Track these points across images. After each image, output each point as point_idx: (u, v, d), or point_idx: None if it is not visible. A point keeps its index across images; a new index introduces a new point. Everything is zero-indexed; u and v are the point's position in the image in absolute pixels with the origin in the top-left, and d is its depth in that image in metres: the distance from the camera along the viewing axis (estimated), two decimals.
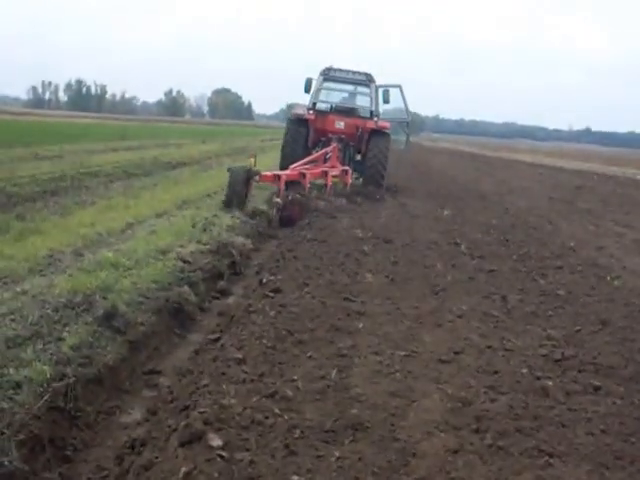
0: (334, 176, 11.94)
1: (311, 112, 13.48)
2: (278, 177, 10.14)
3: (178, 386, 3.86)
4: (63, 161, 16.30)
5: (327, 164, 12.59)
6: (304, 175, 10.67)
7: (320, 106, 13.76)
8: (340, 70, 13.99)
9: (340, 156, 13.36)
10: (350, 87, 14.68)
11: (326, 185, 11.49)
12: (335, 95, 14.62)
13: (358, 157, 14.13)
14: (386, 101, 13.98)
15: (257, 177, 9.87)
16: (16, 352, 3.66)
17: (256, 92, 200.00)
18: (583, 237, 9.75)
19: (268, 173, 10.40)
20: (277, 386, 3.42)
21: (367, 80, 13.88)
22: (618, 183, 24.23)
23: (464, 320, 4.90)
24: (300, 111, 13.75)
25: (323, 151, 12.94)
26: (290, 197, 9.84)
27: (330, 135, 13.47)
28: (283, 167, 11.98)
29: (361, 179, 13.74)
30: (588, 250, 8.58)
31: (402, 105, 14.92)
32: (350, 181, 12.76)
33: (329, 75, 13.90)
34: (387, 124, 13.92)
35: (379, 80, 13.94)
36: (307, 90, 13.72)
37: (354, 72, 14.05)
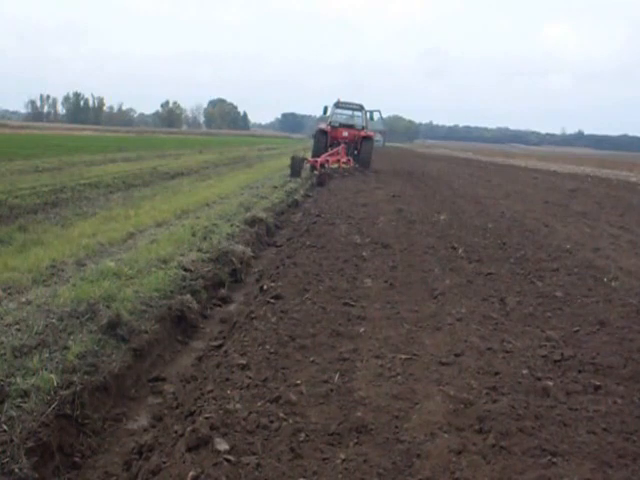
0: (344, 162, 22.02)
1: (328, 127, 23.77)
2: (316, 161, 20.39)
3: (183, 392, 3.91)
4: (63, 173, 16.37)
5: (339, 156, 21.96)
6: (328, 161, 20.89)
7: (333, 123, 24.00)
8: (345, 102, 24.73)
9: (346, 152, 22.84)
10: (350, 112, 24.87)
11: (339, 167, 21.47)
12: (341, 116, 24.70)
13: (356, 152, 23.86)
14: (371, 119, 25.25)
15: (306, 160, 20.83)
16: (23, 361, 3.70)
17: (251, 102, 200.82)
18: (579, 239, 9.77)
19: (311, 159, 21.32)
20: (281, 390, 3.45)
21: (360, 107, 24.70)
22: (611, 185, 24.26)
23: (463, 323, 4.93)
24: (322, 126, 24.43)
25: (336, 149, 22.38)
26: (322, 170, 19.27)
27: (339, 140, 23.46)
28: (314, 157, 21.75)
29: (357, 165, 23.31)
30: (584, 252, 8.61)
31: (380, 121, 28.51)
32: (352, 165, 22.71)
33: (338, 105, 24.59)
34: (372, 133, 25.16)
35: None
36: (325, 113, 25.29)
37: (353, 103, 24.81)
